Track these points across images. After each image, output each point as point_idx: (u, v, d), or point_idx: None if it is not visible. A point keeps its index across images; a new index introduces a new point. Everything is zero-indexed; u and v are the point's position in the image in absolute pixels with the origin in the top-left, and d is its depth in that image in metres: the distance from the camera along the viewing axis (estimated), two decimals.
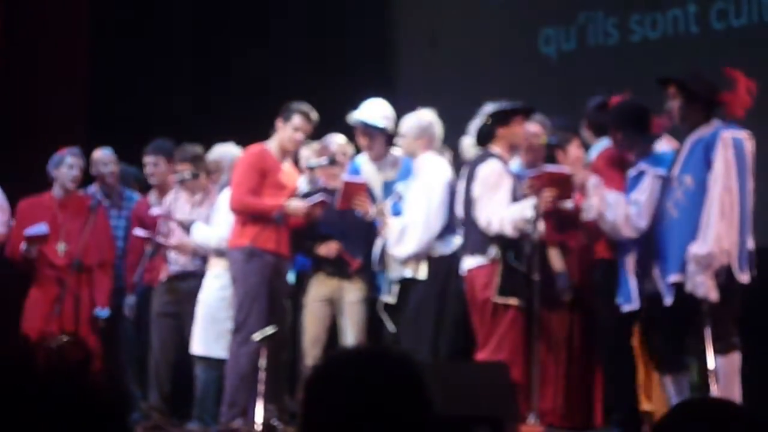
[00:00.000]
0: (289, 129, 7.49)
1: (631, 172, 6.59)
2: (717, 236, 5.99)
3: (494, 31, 9.59)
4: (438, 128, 7.45)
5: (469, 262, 6.96)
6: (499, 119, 7.01)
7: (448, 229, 7.25)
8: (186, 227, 7.94)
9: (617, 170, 6.76)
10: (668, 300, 6.17)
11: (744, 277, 6.09)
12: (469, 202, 6.98)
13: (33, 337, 7.86)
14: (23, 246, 7.94)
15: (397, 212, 7.40)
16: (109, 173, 8.60)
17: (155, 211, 8.10)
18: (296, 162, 7.92)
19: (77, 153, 8.19)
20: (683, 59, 8.28)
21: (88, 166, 8.50)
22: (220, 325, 7.63)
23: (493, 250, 6.86)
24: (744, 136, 6.17)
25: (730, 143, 6.08)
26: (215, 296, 7.69)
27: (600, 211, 6.50)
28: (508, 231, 6.79)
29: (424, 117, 7.46)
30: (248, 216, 7.40)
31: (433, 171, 7.32)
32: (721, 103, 6.26)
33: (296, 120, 7.48)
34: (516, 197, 6.91)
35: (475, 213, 6.90)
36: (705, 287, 6.00)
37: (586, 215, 6.65)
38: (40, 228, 7.90)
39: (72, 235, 8.01)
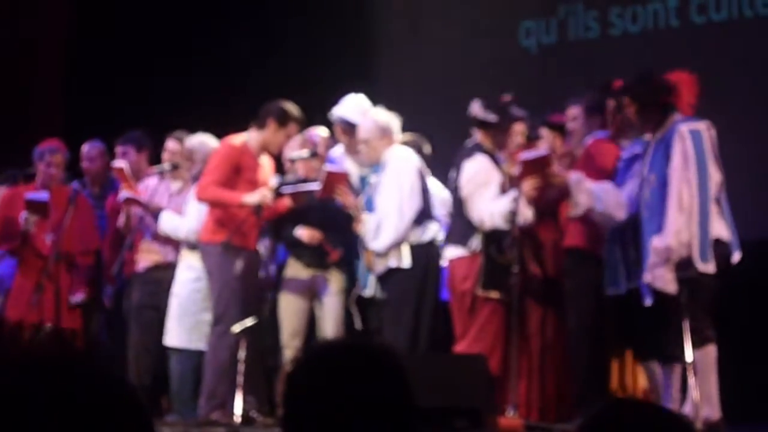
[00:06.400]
0: (281, 134, 7.44)
1: (624, 155, 6.58)
2: (676, 230, 6.01)
3: (475, 23, 9.58)
4: (394, 121, 7.33)
5: (450, 253, 6.97)
6: (475, 121, 7.04)
7: (424, 216, 7.20)
8: (154, 215, 7.89)
9: (605, 159, 6.73)
10: (648, 300, 6.18)
11: (708, 267, 6.07)
12: (455, 193, 7.00)
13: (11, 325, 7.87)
14: (23, 215, 7.86)
15: (369, 207, 7.34)
16: (87, 166, 8.54)
17: (123, 195, 8.00)
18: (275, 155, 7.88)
19: (62, 150, 8.12)
20: (663, 53, 8.30)
21: (77, 159, 8.45)
22: (193, 317, 7.61)
23: (474, 242, 6.87)
24: (702, 127, 6.19)
25: (687, 135, 6.12)
26: (188, 288, 7.66)
27: (589, 206, 6.47)
28: (500, 224, 6.80)
29: (380, 116, 7.35)
30: (212, 206, 7.37)
31: (400, 160, 7.25)
32: (673, 103, 6.27)
33: (292, 128, 7.45)
34: (505, 190, 6.91)
35: (467, 212, 6.90)
36: (663, 280, 6.03)
37: (575, 213, 6.60)
38: (41, 195, 7.84)
39: (56, 225, 7.97)
